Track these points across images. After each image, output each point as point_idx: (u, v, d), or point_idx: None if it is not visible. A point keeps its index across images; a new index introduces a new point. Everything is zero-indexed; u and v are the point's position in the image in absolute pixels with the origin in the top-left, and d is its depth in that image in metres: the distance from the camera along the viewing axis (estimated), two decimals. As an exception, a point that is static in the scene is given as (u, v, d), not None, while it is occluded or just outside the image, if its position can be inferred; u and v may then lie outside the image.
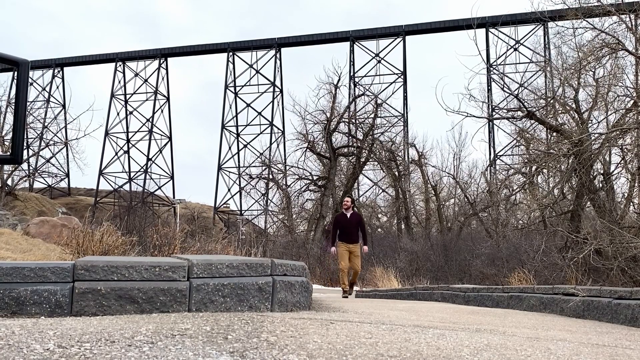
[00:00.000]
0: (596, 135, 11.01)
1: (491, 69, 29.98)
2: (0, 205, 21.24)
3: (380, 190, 36.01)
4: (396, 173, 29.68)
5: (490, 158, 37.65)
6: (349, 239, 9.33)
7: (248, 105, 47.25)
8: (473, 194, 27.99)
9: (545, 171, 13.93)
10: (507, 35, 41.96)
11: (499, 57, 39.15)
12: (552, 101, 12.59)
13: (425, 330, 2.48)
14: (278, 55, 47.06)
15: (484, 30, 40.10)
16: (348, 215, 9.54)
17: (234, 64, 47.59)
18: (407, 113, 42.50)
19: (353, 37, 45.27)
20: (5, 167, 25.79)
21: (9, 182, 28.83)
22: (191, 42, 49.01)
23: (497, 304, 6.50)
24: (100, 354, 1.49)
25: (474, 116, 11.59)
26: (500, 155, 36.84)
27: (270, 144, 44.94)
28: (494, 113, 18.66)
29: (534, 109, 12.33)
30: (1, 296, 2.40)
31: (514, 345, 2.17)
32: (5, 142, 25.09)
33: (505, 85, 14.59)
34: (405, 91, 44.02)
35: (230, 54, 47.47)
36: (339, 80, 29.15)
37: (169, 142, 49.14)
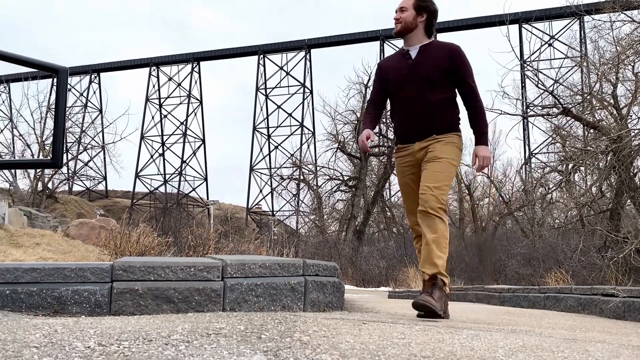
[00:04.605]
0: (636, 131, 10.67)
1: (525, 65, 29.36)
2: (42, 208, 21.94)
3: (413, 190, 35.60)
4: (428, 172, 29.36)
5: (525, 156, 36.93)
6: (416, 127, 3.23)
7: (278, 107, 47.56)
8: (508, 192, 27.51)
9: (583, 169, 13.57)
10: (541, 31, 41.08)
11: (532, 53, 38.36)
12: (589, 97, 12.27)
13: (459, 331, 2.46)
14: (308, 57, 47.21)
15: (517, 26, 39.37)
16: (413, 54, 3.25)
17: (264, 66, 47.99)
18: (439, 111, 41.99)
19: (383, 37, 45.02)
20: (46, 170, 26.61)
21: (50, 185, 29.72)
22: (223, 46, 49.57)
23: (533, 304, 6.37)
24: (138, 352, 1.53)
25: (508, 114, 11.37)
26: (536, 153, 36.06)
27: (301, 144, 45.15)
28: (528, 110, 18.27)
29: (570, 106, 12.03)
30: (44, 296, 2.49)
31: (551, 347, 2.13)
32: (46, 147, 25.89)
33: (539, 81, 14.24)
34: (436, 90, 43.55)
35: (261, 56, 47.87)
36: (369, 79, 29.01)
37: (202, 145, 49.87)
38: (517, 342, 2.18)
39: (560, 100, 12.12)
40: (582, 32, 36.11)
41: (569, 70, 32.76)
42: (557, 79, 27.43)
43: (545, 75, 25.80)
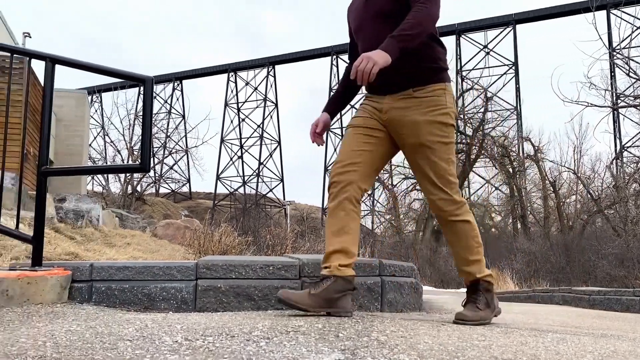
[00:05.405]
0: None
1: (614, 53, 27.59)
2: (131, 210, 23.31)
3: (493, 188, 34.44)
4: (510, 169, 28.26)
5: (616, 150, 34.64)
6: (380, 75, 2.20)
7: (352, 106, 47.52)
8: (597, 189, 25.86)
9: (683, 162, 12.53)
10: (632, 16, 38.26)
11: (622, 40, 35.77)
12: (688, 84, 11.32)
13: (543, 334, 2.36)
14: (381, 55, 46.88)
15: (604, 12, 36.97)
16: None
17: (337, 66, 48.23)
18: (520, 106, 40.36)
19: (459, 30, 43.85)
20: (135, 174, 28.26)
21: (139, 188, 31.56)
22: (295, 49, 50.49)
23: (627, 308, 5.98)
24: (222, 347, 1.60)
25: (596, 105, 10.77)
26: (628, 147, 33.78)
27: (376, 144, 44.84)
28: (618, 101, 17.15)
29: (667, 94, 11.17)
30: (135, 292, 2.65)
31: (646, 354, 1.99)
32: (135, 152, 27.50)
33: (631, 70, 13.35)
34: (517, 83, 41.83)
35: (334, 57, 48.16)
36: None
37: (278, 146, 50.91)
38: (607, 347, 2.06)
39: (656, 89, 11.27)
40: (679, 14, 33.36)
41: (665, 56, 30.32)
42: (652, 66, 25.45)
43: (637, 63, 24.06)
